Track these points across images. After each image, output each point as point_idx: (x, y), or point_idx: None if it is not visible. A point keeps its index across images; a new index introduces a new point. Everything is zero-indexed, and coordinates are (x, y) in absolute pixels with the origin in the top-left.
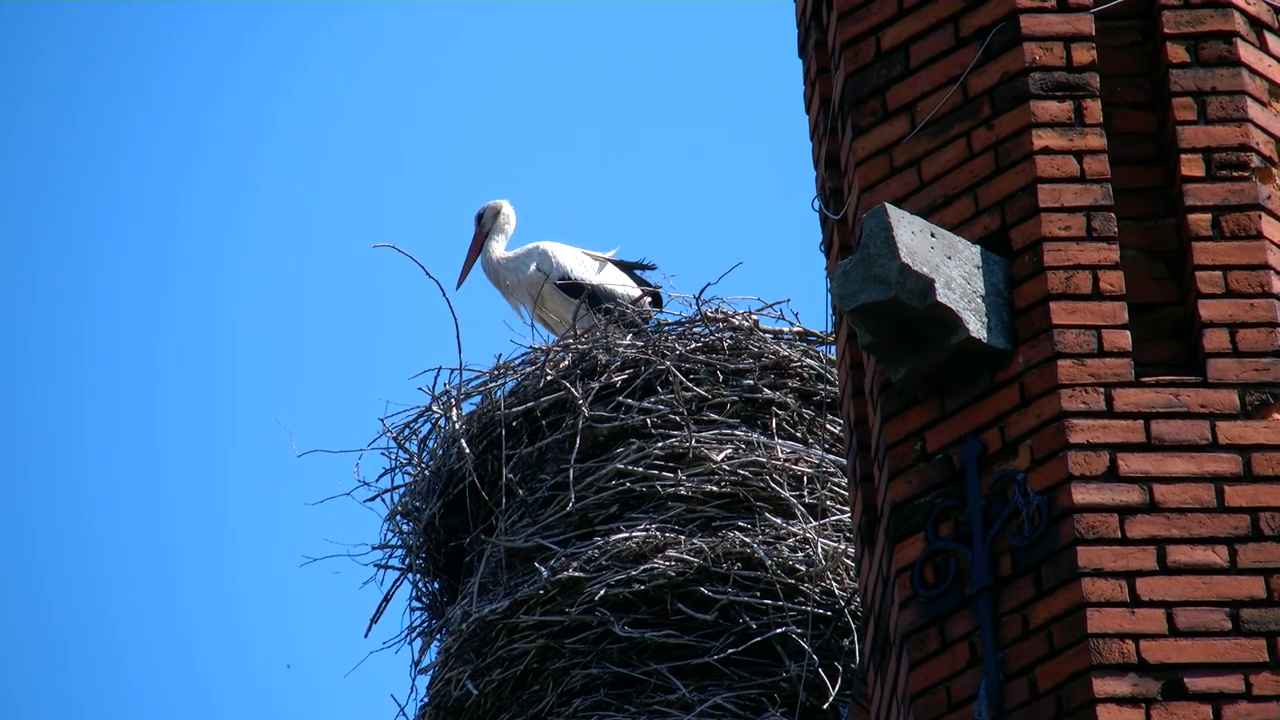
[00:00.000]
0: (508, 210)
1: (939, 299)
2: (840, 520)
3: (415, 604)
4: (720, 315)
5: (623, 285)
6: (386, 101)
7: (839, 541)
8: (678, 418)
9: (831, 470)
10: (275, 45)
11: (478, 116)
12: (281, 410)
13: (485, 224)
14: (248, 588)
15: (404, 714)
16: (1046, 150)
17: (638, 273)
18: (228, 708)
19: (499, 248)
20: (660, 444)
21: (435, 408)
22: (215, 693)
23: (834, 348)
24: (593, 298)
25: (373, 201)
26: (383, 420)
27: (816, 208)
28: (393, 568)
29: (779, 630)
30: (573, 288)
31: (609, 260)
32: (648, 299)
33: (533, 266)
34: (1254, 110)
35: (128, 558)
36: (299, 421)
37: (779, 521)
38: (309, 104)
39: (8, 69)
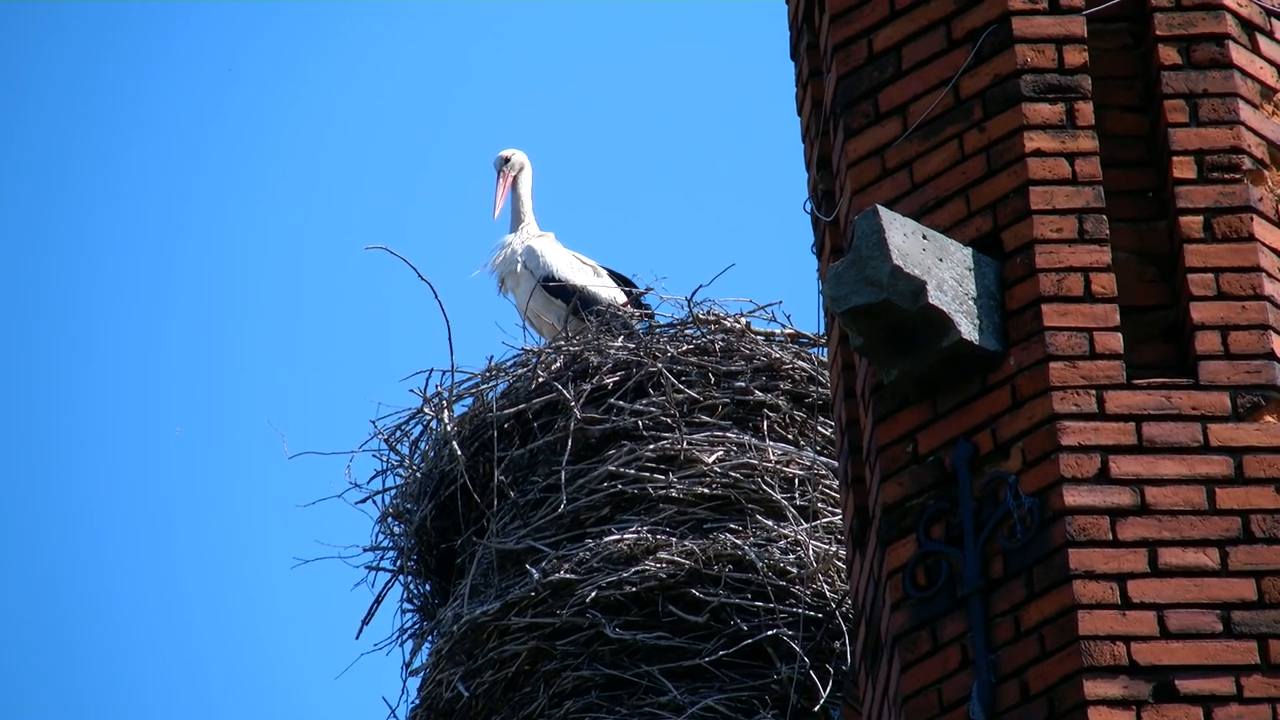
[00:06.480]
0: (523, 158)
1: (931, 301)
2: (832, 522)
3: (406, 606)
4: (712, 317)
5: (612, 297)
6: (382, 103)
7: (830, 544)
8: (669, 420)
9: (823, 472)
10: (276, 47)
11: (472, 117)
12: (273, 412)
13: (512, 168)
14: (239, 589)
15: (395, 716)
16: (1038, 153)
17: (633, 290)
18: (219, 708)
19: (522, 234)
20: (652, 446)
21: (427, 409)
22: (207, 693)
23: (826, 350)
24: (582, 303)
25: (367, 205)
26: (374, 422)
27: (808, 210)
28: (384, 570)
29: (770, 632)
30: (559, 290)
31: (603, 270)
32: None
33: (520, 264)
34: (1246, 113)
35: (123, 559)
36: (290, 423)
37: (770, 524)
38: (306, 106)
39: (10, 69)
